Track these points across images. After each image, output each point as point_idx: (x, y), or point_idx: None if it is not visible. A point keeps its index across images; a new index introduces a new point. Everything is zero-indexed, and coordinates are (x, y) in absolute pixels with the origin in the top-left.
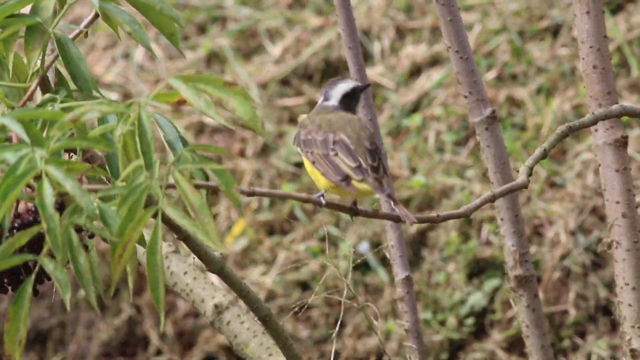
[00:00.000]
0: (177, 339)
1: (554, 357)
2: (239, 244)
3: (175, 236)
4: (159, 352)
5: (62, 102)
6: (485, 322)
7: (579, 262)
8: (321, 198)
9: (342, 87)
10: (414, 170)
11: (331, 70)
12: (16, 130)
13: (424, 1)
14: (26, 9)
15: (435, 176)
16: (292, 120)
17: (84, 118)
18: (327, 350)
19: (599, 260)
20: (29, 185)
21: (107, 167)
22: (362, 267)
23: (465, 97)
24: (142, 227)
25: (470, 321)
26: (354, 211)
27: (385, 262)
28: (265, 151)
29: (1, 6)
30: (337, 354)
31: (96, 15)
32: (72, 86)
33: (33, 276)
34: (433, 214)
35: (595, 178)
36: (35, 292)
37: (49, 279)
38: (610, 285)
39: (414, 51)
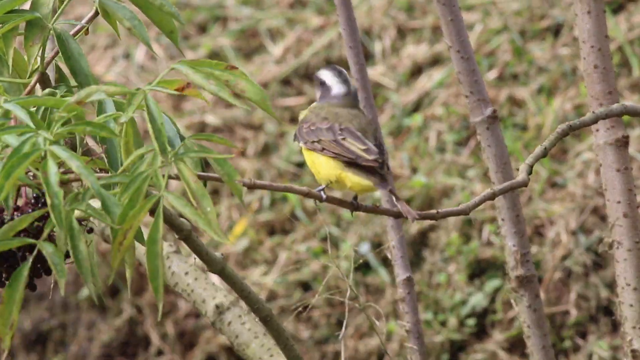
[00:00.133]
0: (178, 340)
1: (555, 357)
2: (240, 244)
3: (176, 236)
4: (159, 353)
5: (62, 96)
6: (487, 323)
7: (580, 262)
8: (322, 192)
9: (341, 84)
10: (414, 170)
11: None
12: (20, 115)
13: (425, 1)
14: (26, 5)
15: (436, 176)
16: (293, 120)
17: (90, 99)
18: (329, 350)
19: (600, 261)
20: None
21: (105, 161)
22: (363, 267)
23: (466, 96)
24: (143, 215)
25: (471, 322)
26: (354, 206)
27: (386, 262)
28: (266, 151)
29: (1, 2)
30: (338, 354)
31: (96, 13)
32: (73, 83)
33: (29, 260)
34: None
35: (597, 178)
36: (33, 288)
37: (47, 272)
38: (611, 286)
39: (415, 51)
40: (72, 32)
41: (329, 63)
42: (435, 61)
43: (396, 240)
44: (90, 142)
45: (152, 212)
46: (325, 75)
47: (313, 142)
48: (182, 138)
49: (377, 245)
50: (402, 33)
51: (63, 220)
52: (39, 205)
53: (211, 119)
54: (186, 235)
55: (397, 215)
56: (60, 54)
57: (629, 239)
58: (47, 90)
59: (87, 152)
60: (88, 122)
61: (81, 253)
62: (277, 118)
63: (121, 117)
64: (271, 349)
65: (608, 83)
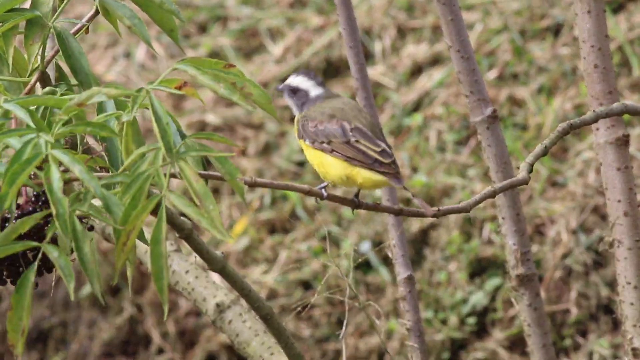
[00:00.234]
0: (178, 338)
1: (555, 356)
2: (240, 243)
3: (177, 235)
4: (160, 351)
5: (62, 95)
6: (487, 321)
7: (580, 261)
8: (323, 190)
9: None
10: (415, 170)
11: (332, 69)
12: (21, 115)
13: (425, 0)
14: (26, 4)
15: (436, 175)
16: (294, 119)
17: (91, 101)
18: (329, 349)
19: (600, 259)
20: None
21: (106, 159)
22: (364, 266)
23: (467, 96)
24: (146, 215)
25: (471, 320)
26: (355, 204)
27: (387, 261)
28: (267, 150)
29: (1, 0)
30: (338, 352)
31: (97, 12)
32: (73, 81)
33: (36, 264)
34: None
35: (597, 177)
36: (34, 285)
37: (49, 270)
38: (611, 284)
39: (415, 50)
40: (72, 31)
41: (329, 63)
42: (436, 61)
43: (397, 238)
44: (91, 141)
45: (155, 211)
46: (297, 81)
47: (322, 142)
48: (182, 136)
49: (378, 243)
50: (402, 33)
51: (68, 227)
52: (40, 203)
53: (211, 118)
54: (187, 234)
55: (398, 213)
56: (60, 52)
57: (630, 237)
58: (47, 88)
59: (88, 151)
60: (88, 122)
61: (86, 255)
62: (281, 120)
63: (123, 116)
64: (272, 347)
65: (608, 83)
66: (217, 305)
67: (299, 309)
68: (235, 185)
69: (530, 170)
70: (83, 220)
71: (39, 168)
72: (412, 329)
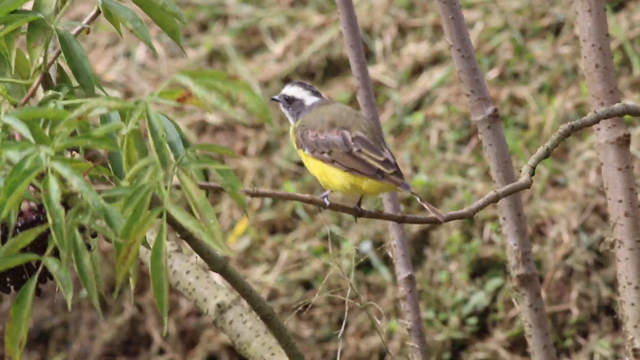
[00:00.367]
0: (179, 338)
1: (556, 356)
2: (241, 243)
3: (178, 235)
4: (161, 352)
5: (64, 99)
6: (488, 322)
7: (581, 261)
8: (325, 199)
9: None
10: (416, 169)
11: (333, 68)
12: (20, 129)
13: None
14: (28, 5)
15: (437, 175)
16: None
17: (90, 115)
18: (330, 349)
19: (601, 260)
20: (32, 185)
21: (109, 166)
22: (365, 266)
23: (467, 95)
24: (147, 228)
25: (472, 320)
26: (357, 212)
27: (387, 261)
28: (267, 150)
29: (3, 2)
30: (340, 353)
31: (98, 12)
32: (74, 82)
33: (36, 276)
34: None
35: (598, 177)
36: (38, 292)
37: (52, 278)
38: (612, 285)
39: (416, 49)
40: (73, 33)
41: (330, 62)
42: (436, 60)
43: (397, 238)
44: None
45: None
46: (293, 91)
47: (322, 152)
48: (185, 143)
49: (379, 243)
50: (402, 31)
51: (65, 239)
52: (43, 211)
53: (212, 118)
54: (188, 235)
55: (400, 220)
56: (62, 54)
57: (631, 238)
58: (50, 93)
59: (94, 157)
60: (88, 136)
61: (85, 267)
62: (278, 129)
63: (122, 130)
64: (272, 347)
65: (609, 82)
66: (218, 305)
67: (300, 309)
68: (236, 197)
69: (533, 174)
70: (84, 231)
71: (40, 178)
72: (412, 329)
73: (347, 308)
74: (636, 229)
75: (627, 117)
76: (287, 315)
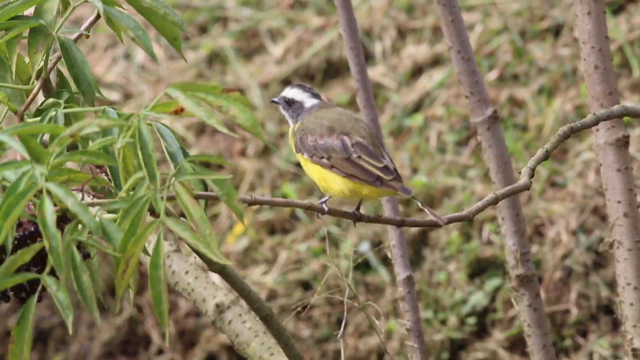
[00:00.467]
0: (178, 338)
1: (555, 356)
2: (240, 244)
3: (177, 235)
4: (160, 352)
5: (65, 105)
6: (487, 322)
7: (580, 261)
8: (324, 205)
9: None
10: (415, 170)
11: (332, 70)
12: (15, 147)
13: (425, 1)
14: (29, 11)
15: (436, 176)
16: (289, 130)
17: (82, 133)
18: (329, 349)
19: (600, 260)
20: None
21: (110, 175)
22: (363, 266)
23: (467, 97)
24: (144, 241)
25: (471, 320)
26: (357, 217)
27: (386, 261)
28: (266, 151)
29: (5, 8)
30: (338, 353)
31: (98, 16)
32: (74, 87)
33: (36, 296)
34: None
35: (597, 177)
36: (40, 299)
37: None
38: (611, 285)
39: (415, 51)
40: (73, 38)
41: (329, 64)
42: (436, 62)
43: (396, 239)
44: None
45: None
46: (292, 93)
47: (321, 157)
48: (185, 154)
49: (377, 244)
50: (402, 33)
51: (62, 263)
52: None
53: None
54: None
55: (399, 224)
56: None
57: (630, 238)
58: (50, 100)
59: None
60: (84, 152)
61: (84, 284)
62: (269, 144)
63: (117, 143)
64: (271, 347)
65: (608, 84)
66: (217, 305)
67: (299, 309)
68: (233, 207)
69: (532, 175)
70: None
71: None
72: (411, 329)
73: (345, 308)
74: (635, 230)
75: (626, 118)
76: (286, 316)
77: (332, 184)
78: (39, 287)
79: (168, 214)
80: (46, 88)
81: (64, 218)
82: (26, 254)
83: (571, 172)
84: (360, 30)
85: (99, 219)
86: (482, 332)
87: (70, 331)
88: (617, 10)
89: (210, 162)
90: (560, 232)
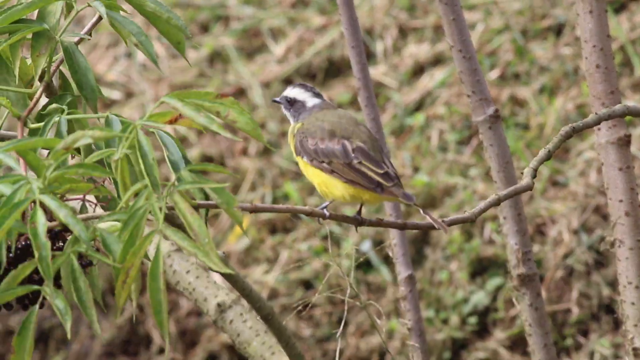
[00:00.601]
0: (179, 338)
1: (556, 355)
2: (241, 243)
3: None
4: (161, 351)
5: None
6: (488, 321)
7: (581, 260)
8: (324, 210)
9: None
10: (416, 169)
11: (334, 69)
12: (10, 164)
13: (426, 0)
14: (32, 14)
15: (438, 175)
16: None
17: (76, 145)
18: (330, 348)
19: (601, 259)
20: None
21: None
22: (365, 265)
23: (468, 96)
24: (144, 251)
25: (473, 320)
26: (358, 221)
27: (387, 260)
28: (268, 150)
29: (8, 11)
30: (339, 352)
31: (100, 18)
32: (76, 90)
33: (36, 307)
34: (436, 213)
35: (598, 177)
36: (42, 306)
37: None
38: (613, 284)
39: (417, 50)
40: (75, 40)
41: (331, 62)
42: (437, 61)
43: (397, 238)
44: None
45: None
46: (294, 93)
47: (322, 162)
48: (187, 162)
49: (379, 243)
50: (403, 32)
51: (50, 272)
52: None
53: None
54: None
55: (401, 227)
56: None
57: (631, 237)
58: (53, 105)
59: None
60: (80, 164)
61: (84, 295)
62: (269, 146)
63: (114, 155)
64: (273, 347)
65: (610, 83)
66: (218, 305)
67: (300, 308)
68: (233, 215)
69: (534, 176)
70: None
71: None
72: (413, 329)
73: (346, 307)
74: (636, 229)
75: (627, 117)
76: (287, 315)
77: (333, 188)
78: (40, 298)
79: (171, 219)
80: (49, 91)
81: (67, 230)
82: (27, 268)
83: (573, 171)
84: (361, 29)
85: (98, 229)
86: (483, 331)
87: (69, 336)
88: (619, 9)
89: (210, 166)
90: (562, 231)
